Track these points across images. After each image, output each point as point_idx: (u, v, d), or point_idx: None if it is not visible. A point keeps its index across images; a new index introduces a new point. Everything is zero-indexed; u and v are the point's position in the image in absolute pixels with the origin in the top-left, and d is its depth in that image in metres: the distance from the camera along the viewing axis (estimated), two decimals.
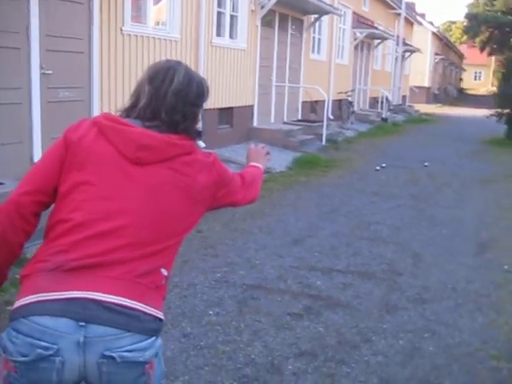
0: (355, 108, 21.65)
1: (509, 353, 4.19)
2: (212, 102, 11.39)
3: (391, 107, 25.78)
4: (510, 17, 54.06)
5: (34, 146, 7.33)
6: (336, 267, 5.76)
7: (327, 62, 18.89)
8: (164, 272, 1.92)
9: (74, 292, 1.75)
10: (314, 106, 17.28)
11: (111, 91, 8.63)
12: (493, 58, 70.28)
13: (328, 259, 6.00)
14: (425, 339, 4.32)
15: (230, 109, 12.37)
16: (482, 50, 60.75)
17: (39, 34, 7.18)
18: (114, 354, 1.74)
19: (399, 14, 28.58)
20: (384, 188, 9.98)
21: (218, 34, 11.84)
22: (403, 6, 28.35)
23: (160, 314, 1.89)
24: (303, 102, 16.75)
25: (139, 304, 1.80)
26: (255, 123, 13.53)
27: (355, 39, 21.82)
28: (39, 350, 1.70)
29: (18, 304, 1.78)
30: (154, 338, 1.84)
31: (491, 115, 19.08)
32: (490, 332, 4.52)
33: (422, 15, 44.24)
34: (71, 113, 7.92)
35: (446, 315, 4.78)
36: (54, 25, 7.49)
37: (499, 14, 54.38)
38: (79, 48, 8.02)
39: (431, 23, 45.70)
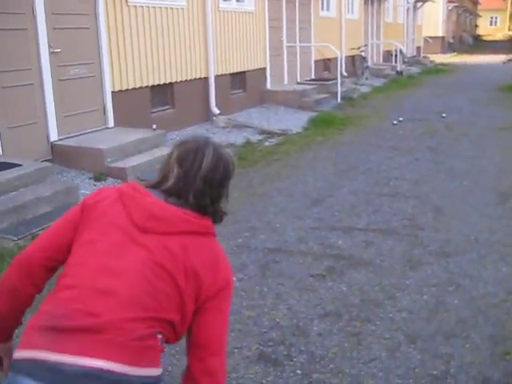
0: (369, 63, 21.36)
1: None
2: (223, 67, 11.32)
3: (406, 60, 25.40)
4: None
5: (49, 126, 7.37)
6: (357, 226, 5.75)
7: (337, 19, 18.60)
8: (159, 336, 1.83)
9: (64, 356, 1.68)
10: (327, 64, 17.08)
11: (122, 64, 8.59)
12: (509, 0, 68.80)
13: (348, 218, 5.99)
14: (449, 293, 4.32)
15: (242, 73, 12.27)
16: None
17: (45, 12, 7.15)
18: None
19: None
20: (401, 142, 9.89)
21: None
22: None
23: (155, 372, 1.79)
24: (316, 61, 16.55)
25: (132, 368, 1.72)
26: (268, 86, 13.41)
27: None
28: None
29: (14, 356, 1.78)
30: None
31: (509, 60, 18.74)
32: None
33: None
34: (83, 89, 7.94)
35: (469, 267, 4.76)
36: (59, 2, 7.46)
37: None
38: (86, 24, 7.98)
39: None
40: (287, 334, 3.79)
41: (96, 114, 8.25)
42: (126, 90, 8.71)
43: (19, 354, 1.74)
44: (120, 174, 7.08)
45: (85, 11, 7.93)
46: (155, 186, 2.04)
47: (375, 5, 23.83)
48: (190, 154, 2.02)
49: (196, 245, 1.92)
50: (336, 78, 14.66)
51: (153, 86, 9.35)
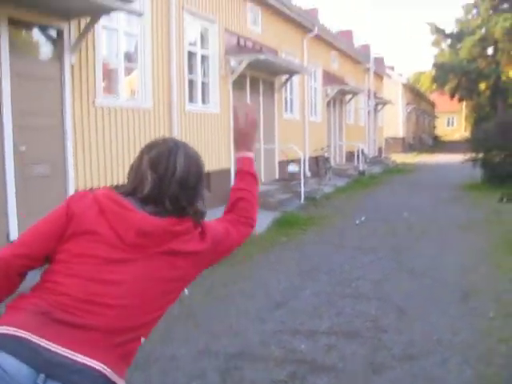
0: (332, 163, 21.86)
1: None
2: None
3: (368, 160, 26.07)
4: (474, 64, 55.59)
5: (9, 224, 7.30)
6: (319, 329, 5.69)
7: (301, 121, 19.13)
8: (142, 340, 2.03)
9: (51, 344, 1.79)
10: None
11: (86, 165, 8.65)
12: (463, 103, 71.75)
13: (311, 321, 5.93)
14: None
15: (207, 173, 12.42)
16: (451, 97, 62.11)
17: (11, 111, 7.24)
18: None
19: (369, 69, 29.19)
20: (364, 242, 9.98)
21: (191, 101, 11.99)
22: (372, 62, 29.01)
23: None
24: (280, 162, 16.87)
25: (109, 370, 1.84)
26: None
27: (327, 96, 22.18)
28: None
29: None
30: None
31: (466, 160, 19.31)
32: None
33: (391, 68, 45.24)
34: (47, 188, 7.94)
35: (433, 371, 4.71)
36: (27, 102, 7.57)
37: (464, 62, 55.90)
38: (52, 123, 8.09)
39: (400, 75, 46.70)
40: None
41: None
42: (90, 188, 8.72)
43: (3, 328, 1.81)
44: None
45: (52, 111, 8.05)
46: (131, 193, 2.07)
47: (337, 108, 24.63)
48: (162, 159, 2.07)
49: (182, 241, 2.04)
50: (299, 179, 14.90)
51: (117, 186, 9.37)
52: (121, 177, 9.38)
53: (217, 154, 12.81)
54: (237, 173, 2.52)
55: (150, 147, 2.13)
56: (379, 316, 6.05)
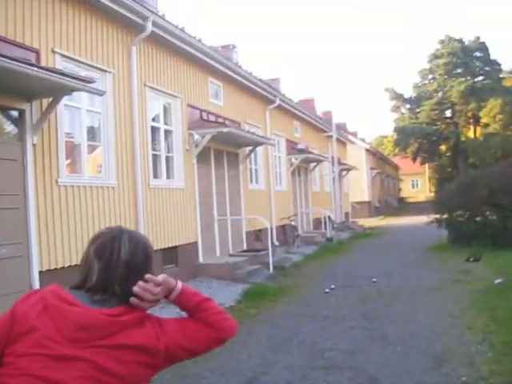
0: (299, 231, 21.95)
1: None
2: (154, 243, 11.37)
3: (335, 226, 26.22)
4: (434, 127, 57.13)
5: None
6: None
7: (266, 191, 19.28)
8: None
9: None
10: (258, 235, 17.42)
11: (50, 244, 8.55)
12: (426, 165, 73.28)
13: None
14: None
15: (174, 248, 12.36)
16: (414, 159, 63.50)
17: None
18: None
19: (331, 136, 29.72)
20: (334, 311, 9.93)
21: (155, 176, 12.03)
22: (334, 129, 29.56)
23: None
24: (247, 232, 16.89)
25: None
26: (201, 259, 13.50)
27: (291, 165, 22.45)
28: None
29: None
30: None
31: (431, 222, 19.54)
32: None
33: (354, 133, 46.22)
34: (10, 269, 7.79)
35: None
36: None
37: (424, 125, 57.42)
38: (15, 204, 8.02)
39: (363, 140, 47.67)
40: None
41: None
42: (55, 269, 8.59)
43: None
44: None
45: (14, 192, 7.99)
46: (80, 285, 2.06)
47: (302, 176, 24.92)
48: (107, 245, 2.07)
49: (129, 338, 1.96)
50: (267, 248, 14.89)
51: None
52: None
53: (183, 228, 12.78)
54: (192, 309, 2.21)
55: (95, 238, 2.15)
56: None
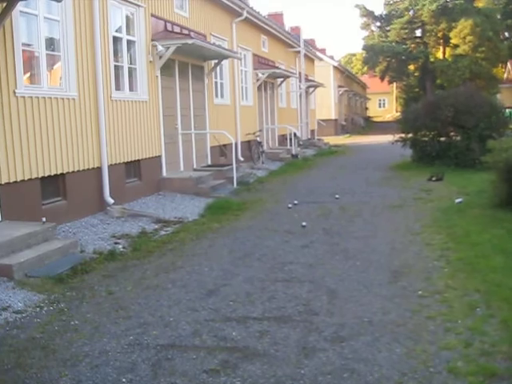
0: (265, 147, 21.90)
1: (427, 382, 4.18)
2: (117, 156, 11.23)
3: (301, 143, 26.23)
4: (403, 46, 56.65)
5: None
6: (251, 315, 5.65)
7: (232, 105, 19.04)
8: None
9: None
10: (223, 150, 17.32)
11: (9, 156, 8.33)
12: (394, 85, 73.10)
13: (243, 307, 5.89)
14: (344, 380, 4.26)
15: (137, 161, 12.21)
16: (382, 78, 63.22)
17: None
18: None
19: (299, 52, 29.28)
20: (297, 226, 10.00)
21: (118, 88, 11.72)
22: (302, 44, 29.11)
23: None
24: (212, 147, 16.76)
25: None
26: (164, 173, 13.40)
27: (258, 80, 22.13)
28: None
29: None
30: None
31: (396, 141, 19.64)
32: (409, 362, 4.51)
33: (323, 50, 45.63)
34: None
35: (364, 351, 4.74)
36: None
37: (393, 44, 56.89)
38: None
39: (332, 57, 47.16)
40: None
41: None
42: (14, 182, 8.42)
43: None
44: (6, 272, 6.73)
45: None
46: None
47: (269, 91, 24.64)
48: None
49: None
50: (232, 164, 14.83)
51: (43, 178, 9.10)
52: (46, 168, 9.11)
53: (147, 142, 12.59)
54: None
55: None
56: (311, 299, 6.06)
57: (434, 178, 15.39)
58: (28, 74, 9.28)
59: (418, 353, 4.67)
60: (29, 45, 9.31)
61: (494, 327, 5.11)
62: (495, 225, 9.23)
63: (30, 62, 9.32)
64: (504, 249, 7.74)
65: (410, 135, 19.27)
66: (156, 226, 9.96)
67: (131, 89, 12.38)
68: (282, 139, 25.51)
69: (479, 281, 6.42)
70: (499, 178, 10.80)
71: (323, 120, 39.52)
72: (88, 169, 10.27)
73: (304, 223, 10.03)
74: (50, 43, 9.78)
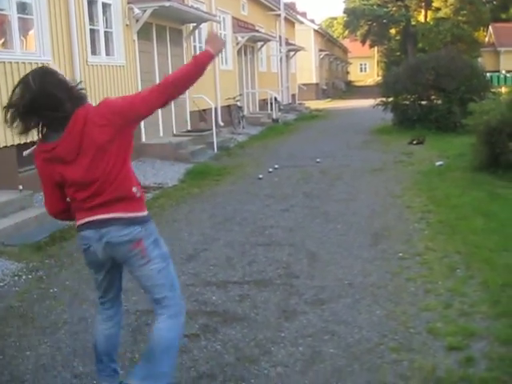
0: (245, 112, 21.73)
1: (407, 342, 4.19)
2: None
3: (281, 107, 26.08)
4: (385, 9, 56.23)
5: None
6: (232, 279, 5.63)
7: (211, 69, 18.77)
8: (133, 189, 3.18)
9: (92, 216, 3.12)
10: (202, 115, 17.15)
11: None
12: (375, 49, 72.83)
13: (223, 271, 5.86)
14: (325, 342, 4.26)
15: None
16: (363, 42, 62.93)
17: None
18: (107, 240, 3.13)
19: (279, 15, 28.95)
20: (277, 190, 9.97)
21: (94, 53, 11.50)
22: (282, 7, 28.77)
23: (139, 213, 3.21)
24: (191, 112, 16.59)
25: (116, 214, 3.12)
26: (143, 139, 13.25)
27: (237, 44, 21.88)
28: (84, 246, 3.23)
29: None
30: (138, 228, 3.16)
31: (377, 105, 19.58)
32: (389, 324, 4.52)
33: (303, 14, 45.17)
34: None
35: (344, 313, 4.74)
36: None
37: (375, 7, 56.46)
38: None
39: (312, 21, 46.69)
40: None
41: None
42: None
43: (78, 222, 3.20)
44: None
45: None
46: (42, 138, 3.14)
47: (249, 55, 24.38)
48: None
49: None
50: (212, 129, 14.70)
51: (19, 145, 8.92)
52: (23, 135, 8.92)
53: None
54: None
55: None
56: (291, 263, 6.04)
57: (414, 142, 15.37)
58: (2, 40, 9.07)
59: (398, 314, 4.68)
60: (0, 9, 9.07)
61: (474, 288, 5.13)
62: (475, 187, 9.25)
63: (1, 27, 9.09)
64: (484, 211, 7.76)
65: (390, 99, 19.21)
66: None
67: (108, 53, 12.17)
68: (263, 104, 25.33)
69: (459, 243, 6.44)
70: (479, 140, 10.81)
71: (304, 84, 39.28)
72: None
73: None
74: (23, 7, 9.53)
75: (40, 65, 9.25)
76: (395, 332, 4.36)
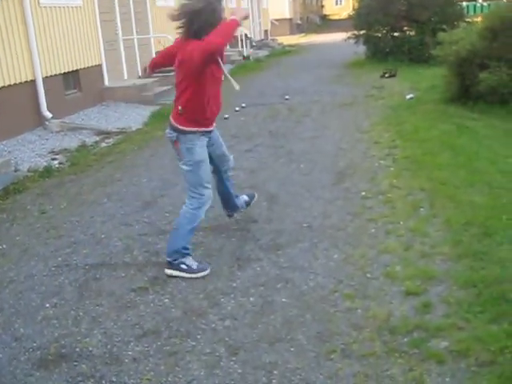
0: None
1: (363, 288, 4.03)
2: (53, 67, 10.58)
3: (253, 44, 25.47)
4: None
5: None
6: None
7: (176, 7, 18.14)
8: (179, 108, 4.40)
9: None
10: None
11: None
12: None
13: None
14: (277, 290, 4.09)
15: (76, 72, 11.56)
16: None
17: None
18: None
19: None
20: (243, 129, 9.67)
21: None
22: None
23: (178, 125, 4.43)
24: (157, 53, 16.03)
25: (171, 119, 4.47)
26: (107, 82, 12.79)
27: None
28: None
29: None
30: (176, 133, 4.42)
31: (348, 38, 19.15)
32: (346, 269, 4.36)
33: None
34: None
35: (300, 259, 4.57)
36: None
37: None
38: None
39: None
40: (99, 364, 3.39)
41: None
42: None
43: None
44: None
45: None
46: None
47: None
48: None
49: None
50: None
51: None
52: None
53: (84, 50, 11.89)
54: None
55: None
56: (250, 206, 5.81)
57: (386, 75, 15.06)
58: None
59: (356, 258, 4.51)
60: None
61: (436, 228, 4.97)
62: (445, 120, 9.07)
63: None
64: (452, 145, 7.59)
65: (362, 31, 18.79)
66: (97, 139, 9.53)
67: None
68: (234, 41, 24.67)
69: (424, 179, 6.26)
70: (450, 72, 10.56)
71: (277, 19, 38.36)
72: (20, 83, 9.64)
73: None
74: None
75: None
76: (351, 277, 4.20)
